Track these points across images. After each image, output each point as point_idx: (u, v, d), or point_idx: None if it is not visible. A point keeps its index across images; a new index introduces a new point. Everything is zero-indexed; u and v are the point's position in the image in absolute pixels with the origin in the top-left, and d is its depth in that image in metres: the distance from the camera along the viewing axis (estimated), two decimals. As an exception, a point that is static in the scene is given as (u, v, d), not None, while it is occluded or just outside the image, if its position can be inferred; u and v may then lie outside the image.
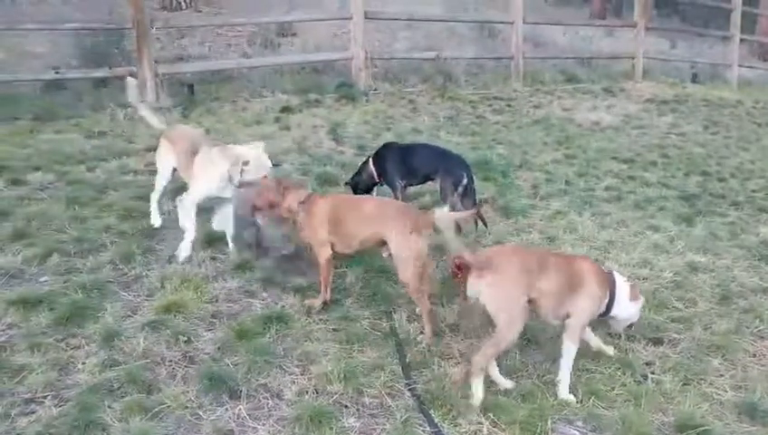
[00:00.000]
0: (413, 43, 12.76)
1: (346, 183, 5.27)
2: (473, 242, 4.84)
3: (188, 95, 8.23)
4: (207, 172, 4.15)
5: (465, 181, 4.80)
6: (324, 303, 3.78)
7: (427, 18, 12.55)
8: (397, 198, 5.09)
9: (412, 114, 8.68)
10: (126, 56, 8.81)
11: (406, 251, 3.47)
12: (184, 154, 4.35)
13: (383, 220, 3.58)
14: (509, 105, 9.66)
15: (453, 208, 4.76)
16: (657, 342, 3.70)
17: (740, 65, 14.37)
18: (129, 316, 3.59)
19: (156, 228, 4.61)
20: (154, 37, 8.61)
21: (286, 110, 8.12)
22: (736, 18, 14.16)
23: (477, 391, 3.03)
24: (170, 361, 3.23)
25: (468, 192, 4.86)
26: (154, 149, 6.25)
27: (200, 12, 13.22)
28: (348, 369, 3.19)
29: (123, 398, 2.93)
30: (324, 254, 3.71)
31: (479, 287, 3.09)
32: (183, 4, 13.12)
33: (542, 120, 9.04)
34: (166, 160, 4.57)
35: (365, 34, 9.68)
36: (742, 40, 14.63)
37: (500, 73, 11.35)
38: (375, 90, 9.34)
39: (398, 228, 3.50)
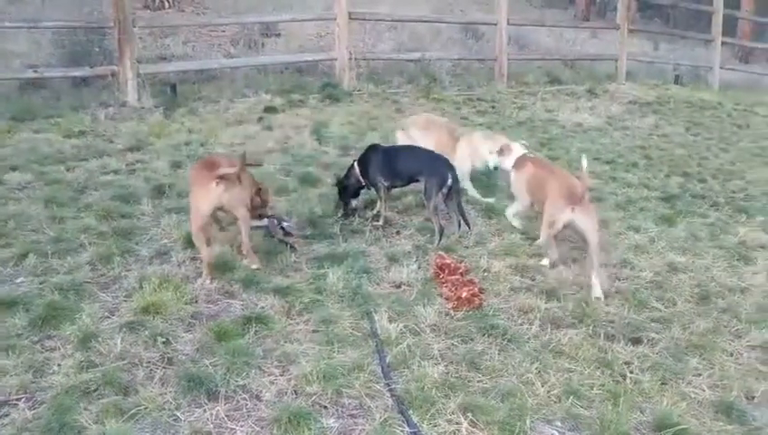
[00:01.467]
0: (398, 44, 12.76)
1: (334, 184, 5.26)
2: (455, 243, 4.85)
3: (171, 95, 8.18)
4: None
5: (449, 182, 4.81)
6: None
7: (412, 19, 12.55)
8: (380, 198, 5.10)
9: (397, 115, 8.67)
10: (107, 55, 8.73)
11: None
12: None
13: None
14: (493, 106, 9.68)
15: (436, 209, 4.79)
16: (637, 341, 3.72)
17: (721, 68, 14.50)
18: (107, 317, 3.56)
19: (138, 229, 4.59)
20: (136, 36, 8.54)
21: (269, 110, 8.09)
22: (718, 21, 14.30)
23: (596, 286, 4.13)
24: (148, 362, 3.20)
25: (453, 193, 4.87)
26: (135, 148, 6.31)
27: (183, 11, 13.14)
28: (327, 370, 3.18)
29: (99, 400, 2.90)
30: None
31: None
32: (166, 3, 13.01)
33: (525, 121, 9.07)
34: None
35: (349, 35, 9.67)
36: (723, 43, 14.75)
37: (484, 75, 11.40)
38: (359, 90, 9.32)
39: None
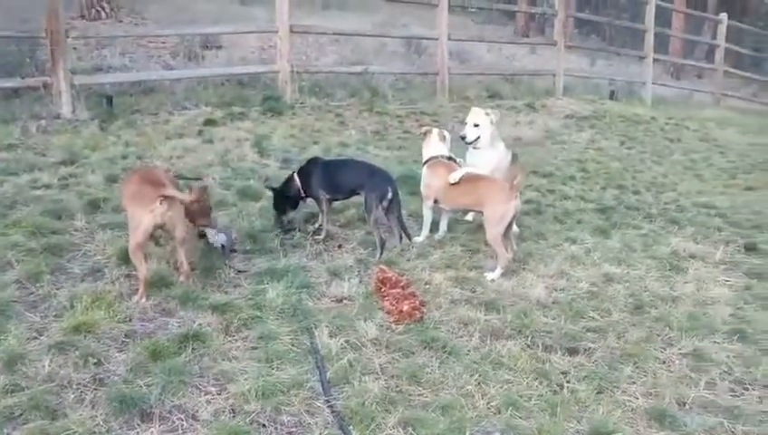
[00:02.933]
0: (341, 58, 12.80)
1: (271, 188, 5.20)
2: (397, 256, 4.86)
3: (107, 107, 7.96)
4: None
5: (389, 196, 4.83)
6: None
7: (354, 33, 12.61)
8: (322, 211, 5.07)
9: (339, 128, 8.68)
10: (39, 66, 8.47)
11: None
12: None
13: None
14: (435, 120, 9.77)
15: (377, 223, 4.80)
16: (573, 351, 3.78)
17: (654, 83, 15.03)
18: (35, 338, 3.41)
19: (70, 245, 4.44)
20: (70, 47, 8.31)
21: (210, 123, 7.97)
22: (650, 39, 14.83)
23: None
24: (78, 384, 3.09)
25: (393, 206, 4.89)
26: (68, 162, 6.11)
27: (121, 22, 12.87)
28: (266, 387, 3.13)
29: (25, 425, 2.78)
30: None
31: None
32: (103, 13, 12.73)
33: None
34: None
35: (292, 48, 9.64)
36: (655, 59, 15.31)
37: (426, 89, 11.51)
38: (302, 103, 9.29)
39: None
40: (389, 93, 10.58)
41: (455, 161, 5.25)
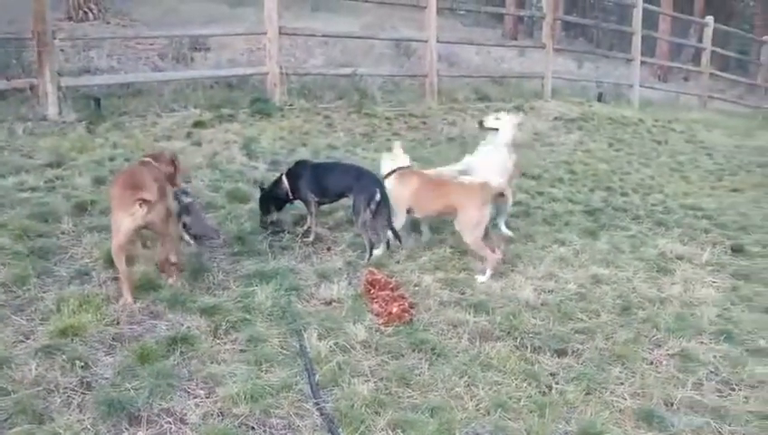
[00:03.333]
0: (330, 60, 12.78)
1: (260, 187, 5.20)
2: (386, 258, 4.87)
3: (95, 109, 7.90)
4: None
5: (377, 198, 4.81)
6: None
7: (343, 35, 12.59)
8: (310, 213, 5.07)
9: (328, 130, 8.67)
10: (26, 68, 8.41)
11: None
12: None
13: None
14: (424, 122, 9.80)
15: (365, 225, 4.79)
16: (562, 353, 3.80)
17: (641, 86, 15.11)
18: (21, 341, 3.39)
19: (57, 248, 4.41)
20: (57, 48, 8.25)
21: (198, 125, 7.93)
22: (637, 42, 14.91)
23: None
24: (65, 388, 3.06)
25: (381, 209, 4.88)
26: (55, 164, 6.07)
27: (109, 23, 12.78)
28: (255, 390, 3.12)
29: (11, 429, 2.75)
30: None
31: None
32: (90, 14, 12.65)
33: (456, 137, 9.21)
34: None
35: (281, 50, 9.62)
36: (643, 62, 15.41)
37: (415, 91, 11.52)
38: (290, 105, 9.27)
39: None
40: (378, 95, 10.57)
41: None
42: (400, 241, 4.98)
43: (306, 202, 5.06)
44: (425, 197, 4.94)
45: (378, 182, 4.93)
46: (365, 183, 4.88)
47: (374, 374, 3.41)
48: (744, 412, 3.37)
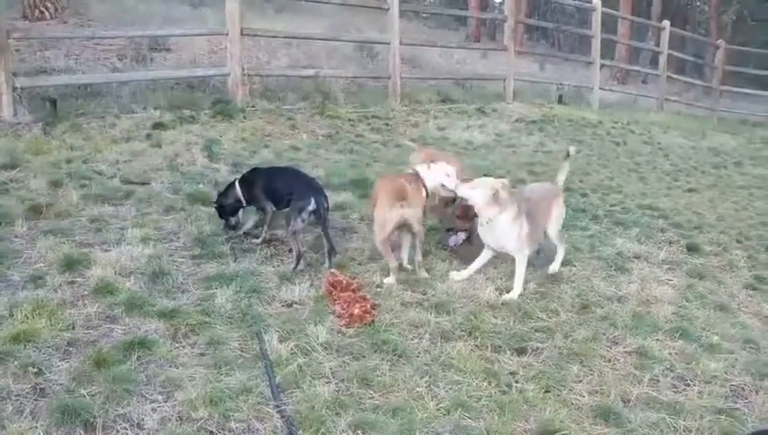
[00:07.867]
0: (293, 61, 12.74)
1: (214, 203, 5.14)
2: (348, 259, 4.85)
3: (51, 110, 7.72)
4: None
5: (310, 207, 4.60)
6: None
7: (306, 36, 12.55)
8: (266, 222, 5.00)
9: (291, 132, 8.63)
10: (-21, 68, 8.17)
11: None
12: None
13: None
14: (387, 124, 9.81)
15: (295, 234, 4.61)
16: (522, 351, 3.84)
17: (601, 88, 15.36)
18: (-28, 348, 3.30)
19: (9, 252, 4.29)
20: (12, 48, 8.05)
21: (159, 126, 7.81)
22: (597, 45, 15.17)
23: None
24: (18, 395, 2.99)
25: (319, 218, 4.67)
26: (9, 166, 5.92)
27: (66, 23, 12.52)
28: (214, 393, 3.09)
29: (-40, 439, 2.68)
30: None
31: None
32: (47, 13, 12.37)
33: (418, 138, 9.23)
34: None
35: (244, 51, 9.54)
36: (602, 65, 15.67)
37: (378, 93, 11.53)
38: (253, 106, 9.20)
39: None
40: (341, 97, 10.55)
41: None
42: (335, 251, 4.76)
43: (264, 210, 4.99)
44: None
45: (316, 190, 4.73)
46: (301, 191, 4.70)
47: (335, 376, 3.40)
48: (698, 407, 3.45)
